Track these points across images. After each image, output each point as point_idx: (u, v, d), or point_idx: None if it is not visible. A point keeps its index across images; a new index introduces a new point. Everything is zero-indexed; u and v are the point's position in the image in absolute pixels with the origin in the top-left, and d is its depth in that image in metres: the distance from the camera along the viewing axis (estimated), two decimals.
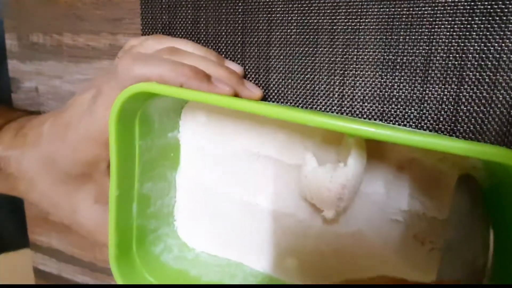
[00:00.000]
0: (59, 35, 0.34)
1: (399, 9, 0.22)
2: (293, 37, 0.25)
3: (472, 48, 0.21)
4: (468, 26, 0.21)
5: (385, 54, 0.23)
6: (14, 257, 0.55)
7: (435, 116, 0.22)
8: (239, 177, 0.25)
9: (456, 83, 0.22)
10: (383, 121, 0.23)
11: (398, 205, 0.21)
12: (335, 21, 0.24)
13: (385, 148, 0.21)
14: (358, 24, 0.23)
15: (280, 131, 0.24)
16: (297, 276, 0.24)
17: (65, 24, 0.33)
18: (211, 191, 0.26)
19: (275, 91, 0.26)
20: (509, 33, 0.20)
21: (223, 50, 0.27)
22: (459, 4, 0.21)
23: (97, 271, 0.38)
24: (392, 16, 0.22)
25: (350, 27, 0.23)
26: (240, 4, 0.26)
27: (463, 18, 0.21)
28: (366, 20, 0.23)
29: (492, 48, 0.21)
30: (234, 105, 0.19)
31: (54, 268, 0.41)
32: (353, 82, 0.24)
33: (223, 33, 0.27)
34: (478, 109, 0.21)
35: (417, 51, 0.22)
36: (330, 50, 0.24)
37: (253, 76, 0.27)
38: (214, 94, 0.20)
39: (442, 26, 0.21)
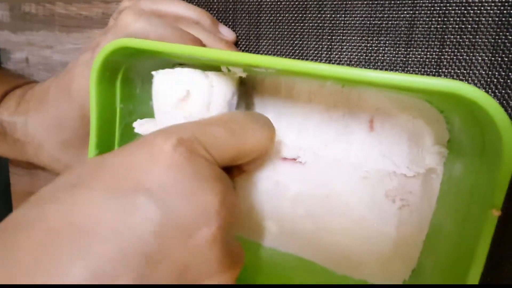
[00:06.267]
0: (51, 5, 0.36)
1: None
2: (283, 3, 0.27)
3: (453, 12, 0.23)
4: None
5: (371, 19, 0.25)
6: None
7: None
8: None
9: (438, 46, 0.23)
10: None
11: (370, 165, 0.22)
12: None
13: (356, 105, 0.23)
14: None
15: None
16: (275, 241, 0.25)
17: None
18: None
19: None
20: None
21: (215, 16, 0.29)
22: None
23: None
24: None
25: None
26: None
27: None
28: None
29: (472, 11, 0.23)
30: (217, 56, 0.20)
31: None
32: (340, 47, 0.26)
33: (215, 0, 0.29)
34: (458, 71, 0.23)
35: (401, 16, 0.24)
36: (319, 16, 0.26)
37: (244, 42, 0.29)
38: (201, 47, 0.21)
39: None
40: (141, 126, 0.25)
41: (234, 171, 0.22)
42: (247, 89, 0.25)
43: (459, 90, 0.15)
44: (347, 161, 0.23)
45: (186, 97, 0.22)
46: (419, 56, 0.24)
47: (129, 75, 0.24)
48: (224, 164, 0.18)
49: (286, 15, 0.27)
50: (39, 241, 0.12)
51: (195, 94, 0.22)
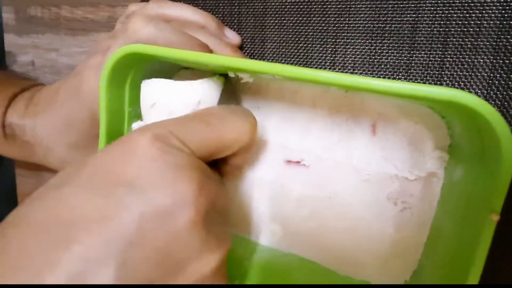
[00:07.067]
0: (57, 8, 0.36)
1: None
2: (287, 7, 0.28)
3: (455, 15, 0.24)
4: None
5: (374, 22, 0.25)
6: None
7: (421, 81, 0.25)
8: None
9: (440, 49, 0.24)
10: None
11: (372, 168, 0.23)
12: None
13: (358, 109, 0.23)
14: None
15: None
16: (279, 241, 0.26)
17: None
18: None
19: (270, 61, 0.29)
20: (489, 0, 0.23)
21: (220, 20, 0.30)
22: None
23: None
24: None
25: None
26: None
27: None
28: None
29: (473, 15, 0.23)
30: (225, 62, 0.20)
31: None
32: (344, 50, 0.27)
33: (221, 4, 0.30)
34: (461, 73, 0.24)
35: (405, 19, 0.25)
36: (323, 19, 0.27)
37: (249, 45, 0.29)
38: (210, 54, 0.22)
39: None
40: (137, 127, 0.26)
41: (222, 167, 0.23)
42: (235, 95, 0.26)
43: (460, 99, 0.15)
44: (350, 164, 0.24)
45: (153, 106, 0.23)
46: (422, 59, 0.25)
47: (137, 78, 0.25)
48: (205, 155, 0.19)
49: (291, 18, 0.28)
50: (28, 235, 0.14)
51: (159, 103, 0.23)
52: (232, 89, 0.25)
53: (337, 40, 0.27)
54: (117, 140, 0.18)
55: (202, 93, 0.22)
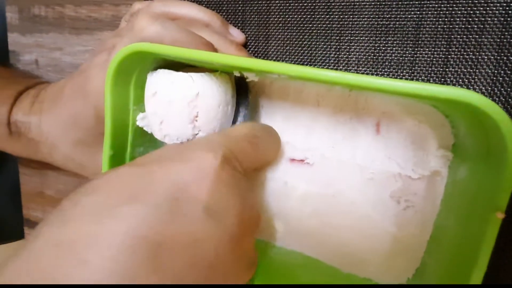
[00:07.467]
0: (61, 7, 0.37)
1: None
2: (291, 4, 0.28)
3: (459, 12, 0.24)
4: None
5: (378, 19, 0.26)
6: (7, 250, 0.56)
7: (425, 78, 0.25)
8: None
9: (445, 45, 0.24)
10: None
11: (376, 166, 0.23)
12: None
13: (362, 108, 0.24)
14: None
15: None
16: (282, 239, 0.27)
17: None
18: None
19: (274, 58, 0.29)
20: None
21: (225, 18, 0.30)
22: None
23: None
24: None
25: None
26: None
27: None
28: None
29: (477, 12, 0.23)
30: (231, 62, 0.21)
31: None
32: (348, 47, 0.27)
33: (225, 1, 0.30)
34: (465, 70, 0.24)
35: (409, 16, 0.25)
36: (327, 16, 0.27)
37: (253, 43, 0.30)
38: (216, 54, 0.22)
39: None
40: (142, 120, 0.26)
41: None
42: (247, 92, 0.26)
43: (465, 98, 0.16)
44: (354, 163, 0.24)
45: (155, 95, 0.24)
46: (426, 56, 0.25)
47: (142, 76, 0.25)
48: (249, 172, 0.21)
49: (295, 16, 0.28)
50: (116, 257, 0.13)
51: (160, 92, 0.23)
52: (235, 86, 0.25)
53: (341, 38, 0.27)
54: (180, 153, 0.18)
55: (201, 86, 0.23)
